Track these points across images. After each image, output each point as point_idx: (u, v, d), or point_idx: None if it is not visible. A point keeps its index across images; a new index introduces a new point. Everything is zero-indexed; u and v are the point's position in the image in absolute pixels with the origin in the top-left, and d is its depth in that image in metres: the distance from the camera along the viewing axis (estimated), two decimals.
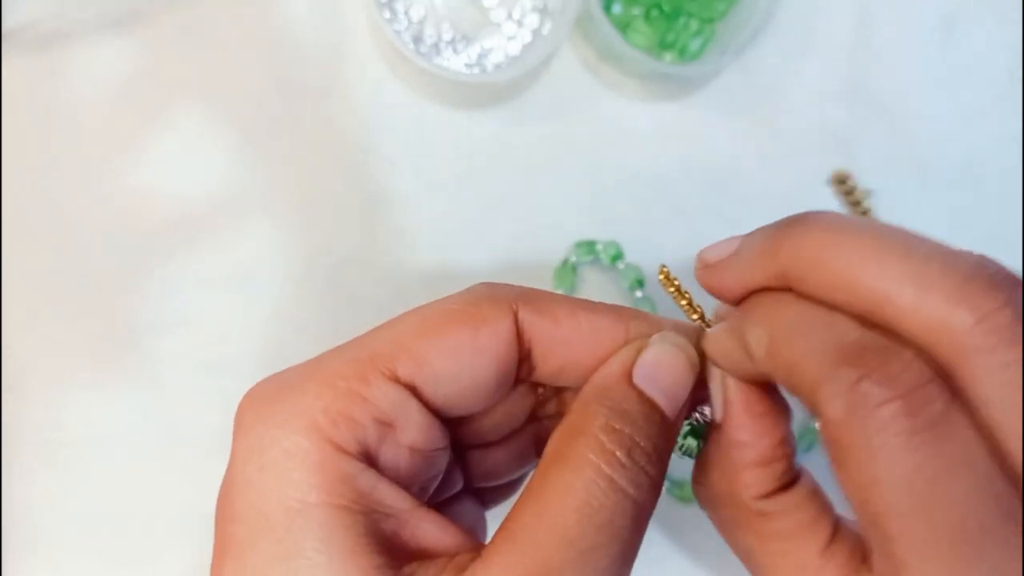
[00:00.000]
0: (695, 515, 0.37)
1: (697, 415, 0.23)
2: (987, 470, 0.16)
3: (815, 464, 0.35)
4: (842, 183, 0.39)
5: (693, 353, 0.22)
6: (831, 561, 0.19)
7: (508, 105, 0.38)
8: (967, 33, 0.41)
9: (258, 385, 0.23)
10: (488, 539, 0.20)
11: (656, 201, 0.39)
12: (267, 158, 0.37)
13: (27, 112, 0.36)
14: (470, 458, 0.25)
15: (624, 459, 0.20)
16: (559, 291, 0.37)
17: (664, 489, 0.36)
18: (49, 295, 0.36)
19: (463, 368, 0.21)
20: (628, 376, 0.21)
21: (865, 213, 0.39)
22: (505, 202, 0.38)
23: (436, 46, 0.38)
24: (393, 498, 0.20)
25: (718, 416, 0.21)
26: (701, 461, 0.22)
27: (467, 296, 0.22)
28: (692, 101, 0.39)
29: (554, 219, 0.38)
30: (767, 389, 0.21)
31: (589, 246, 0.38)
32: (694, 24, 0.38)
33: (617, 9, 0.39)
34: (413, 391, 0.20)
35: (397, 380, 0.20)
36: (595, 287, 0.38)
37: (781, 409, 0.21)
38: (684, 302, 0.24)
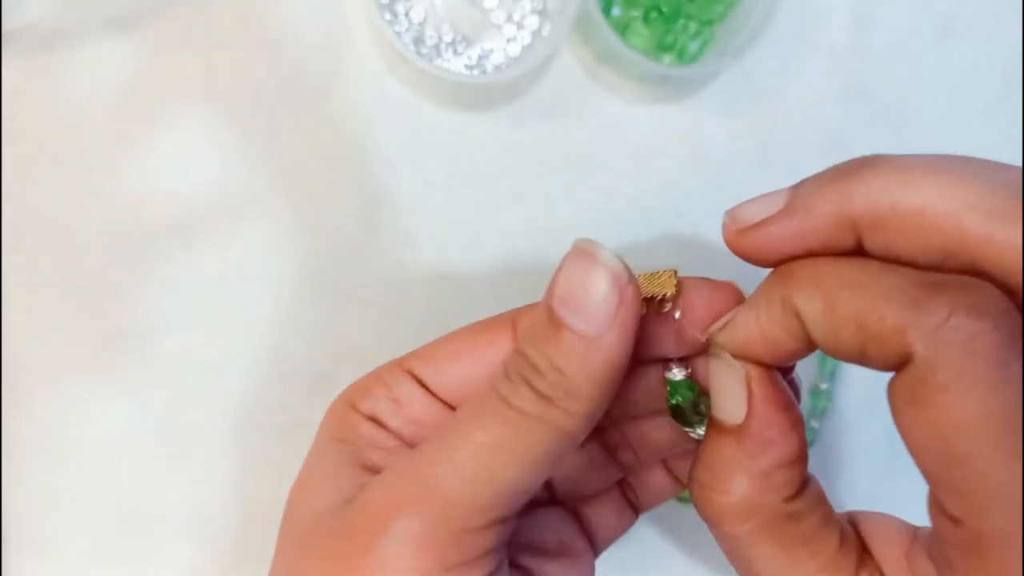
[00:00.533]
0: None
1: (676, 371, 0.22)
2: None
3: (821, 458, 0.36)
4: None
5: (614, 264, 0.21)
6: (848, 555, 0.19)
7: (508, 106, 0.38)
8: (967, 33, 0.41)
9: None
10: None
11: (655, 202, 0.39)
12: (267, 159, 0.37)
13: (27, 112, 0.36)
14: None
15: (512, 373, 0.21)
16: None
17: None
18: (49, 295, 0.36)
19: (462, 365, 0.24)
20: (547, 304, 0.21)
21: None
22: (505, 203, 0.38)
23: (436, 47, 0.38)
24: (383, 438, 0.24)
25: (736, 415, 0.20)
26: (712, 470, 0.20)
27: (486, 318, 0.25)
28: (691, 103, 0.39)
29: (553, 220, 0.38)
30: (778, 380, 0.20)
31: None
32: (693, 26, 0.38)
33: (616, 11, 0.39)
34: (420, 381, 0.25)
35: (409, 372, 0.25)
36: None
37: (795, 399, 0.21)
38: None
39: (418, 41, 0.38)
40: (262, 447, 0.36)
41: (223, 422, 0.36)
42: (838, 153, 0.39)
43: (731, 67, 0.39)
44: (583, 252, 0.21)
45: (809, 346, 0.19)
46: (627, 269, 0.21)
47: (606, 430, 0.26)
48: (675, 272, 0.23)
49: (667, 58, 0.39)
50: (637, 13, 0.39)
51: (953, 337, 0.16)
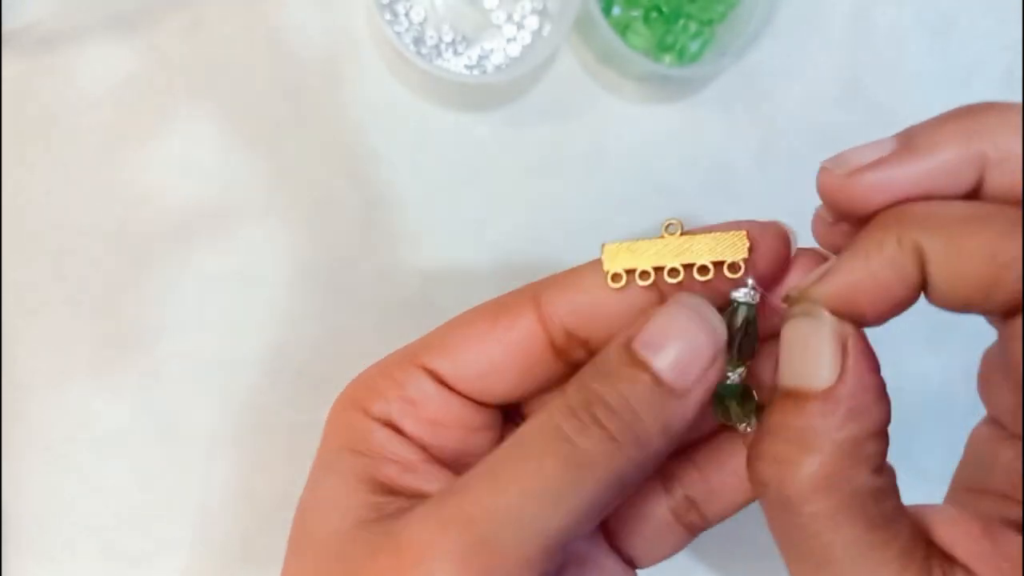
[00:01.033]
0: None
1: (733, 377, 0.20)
2: None
3: None
4: None
5: (714, 318, 0.20)
6: (919, 543, 0.18)
7: (508, 106, 0.39)
8: (966, 33, 0.41)
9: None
10: None
11: (655, 202, 0.39)
12: (267, 159, 0.37)
13: (28, 113, 0.36)
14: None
15: (579, 409, 0.19)
16: None
17: None
18: (49, 295, 0.36)
19: (483, 355, 0.22)
20: (627, 342, 0.20)
21: None
22: (505, 203, 0.38)
23: (437, 48, 0.38)
24: (400, 448, 0.23)
25: (825, 379, 0.18)
26: (793, 442, 0.18)
27: (501, 295, 0.23)
28: (691, 103, 0.39)
29: (554, 220, 0.38)
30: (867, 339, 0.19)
31: None
32: (693, 26, 0.38)
33: (616, 11, 0.39)
34: (436, 376, 0.23)
35: (423, 367, 0.23)
36: None
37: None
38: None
39: (418, 41, 0.38)
40: (263, 447, 0.36)
41: (224, 422, 0.36)
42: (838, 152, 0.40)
43: (731, 67, 0.39)
44: (685, 305, 0.20)
45: (917, 294, 0.18)
46: (725, 329, 0.20)
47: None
48: (746, 234, 0.22)
49: (667, 58, 0.39)
50: (637, 13, 0.39)
51: None
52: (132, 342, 0.36)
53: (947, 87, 0.40)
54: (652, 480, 0.24)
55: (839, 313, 0.19)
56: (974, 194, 0.18)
